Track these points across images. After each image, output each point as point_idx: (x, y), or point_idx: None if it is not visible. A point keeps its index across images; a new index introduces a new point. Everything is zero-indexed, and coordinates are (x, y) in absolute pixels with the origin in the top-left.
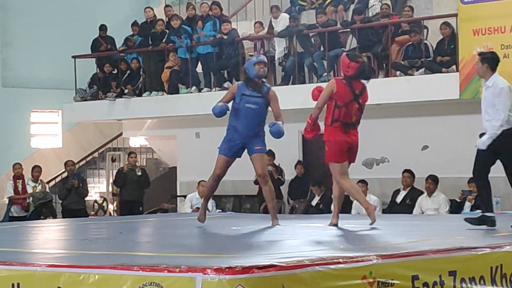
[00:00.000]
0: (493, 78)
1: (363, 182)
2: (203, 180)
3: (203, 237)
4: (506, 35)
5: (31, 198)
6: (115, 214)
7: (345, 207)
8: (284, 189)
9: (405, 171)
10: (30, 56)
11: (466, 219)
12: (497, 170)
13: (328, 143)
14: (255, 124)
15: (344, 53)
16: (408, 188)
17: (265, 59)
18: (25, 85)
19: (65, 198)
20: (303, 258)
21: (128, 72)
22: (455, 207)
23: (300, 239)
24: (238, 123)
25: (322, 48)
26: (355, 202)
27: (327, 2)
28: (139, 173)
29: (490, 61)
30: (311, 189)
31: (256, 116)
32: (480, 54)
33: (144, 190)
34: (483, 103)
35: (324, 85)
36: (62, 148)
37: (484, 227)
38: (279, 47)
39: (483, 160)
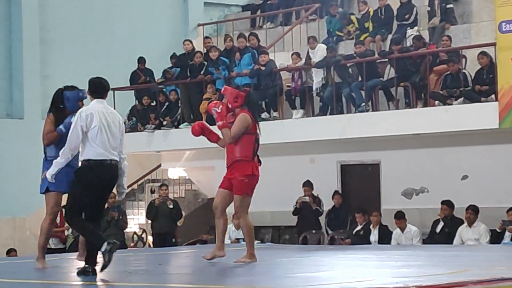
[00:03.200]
0: (90, 105)
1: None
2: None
3: (242, 268)
4: None
5: (70, 230)
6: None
7: (385, 238)
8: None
9: (443, 202)
10: None
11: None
12: None
13: (250, 177)
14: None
15: (225, 85)
16: (448, 218)
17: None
18: None
19: (104, 230)
20: None
21: (167, 104)
22: (495, 237)
23: (339, 270)
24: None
25: (360, 78)
26: (394, 232)
27: (364, 32)
28: (171, 206)
29: (90, 86)
30: (355, 217)
31: None
32: None
33: (176, 222)
34: None
35: (360, 115)
36: None
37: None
38: (317, 77)
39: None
